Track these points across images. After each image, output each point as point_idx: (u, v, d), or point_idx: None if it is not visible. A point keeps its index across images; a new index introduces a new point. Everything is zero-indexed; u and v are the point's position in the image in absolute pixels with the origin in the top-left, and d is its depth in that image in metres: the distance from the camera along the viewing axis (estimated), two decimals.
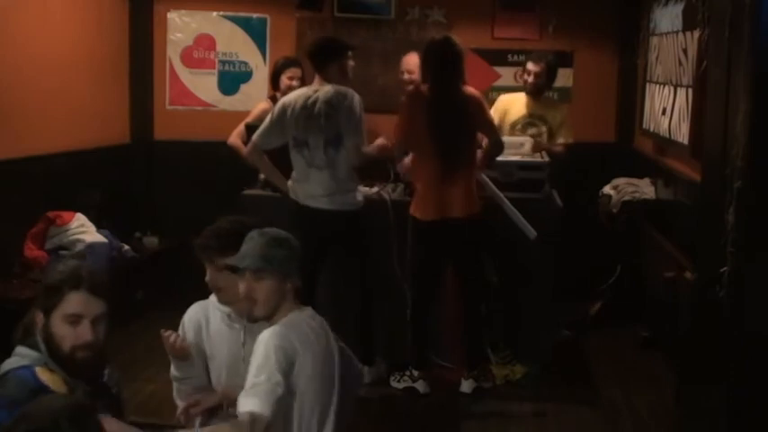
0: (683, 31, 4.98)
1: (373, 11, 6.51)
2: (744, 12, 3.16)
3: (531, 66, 5.49)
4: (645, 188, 5.70)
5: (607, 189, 5.88)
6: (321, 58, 4.51)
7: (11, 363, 2.26)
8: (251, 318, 2.66)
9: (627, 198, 5.63)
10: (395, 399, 4.54)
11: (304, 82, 5.38)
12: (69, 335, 2.24)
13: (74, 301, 2.25)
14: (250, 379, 2.46)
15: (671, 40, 5.27)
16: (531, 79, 5.49)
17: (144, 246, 6.02)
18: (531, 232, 4.59)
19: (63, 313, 2.24)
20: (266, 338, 2.54)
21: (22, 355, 2.26)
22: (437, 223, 4.46)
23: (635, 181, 5.82)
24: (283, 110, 4.46)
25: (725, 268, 3.23)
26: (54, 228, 5.14)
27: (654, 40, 5.79)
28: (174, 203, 6.40)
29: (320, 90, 4.44)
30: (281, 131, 4.48)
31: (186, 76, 6.63)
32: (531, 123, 5.53)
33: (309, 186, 4.47)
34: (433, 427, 4.35)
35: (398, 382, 4.61)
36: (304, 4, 6.08)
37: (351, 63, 4.63)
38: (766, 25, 3.08)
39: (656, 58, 5.70)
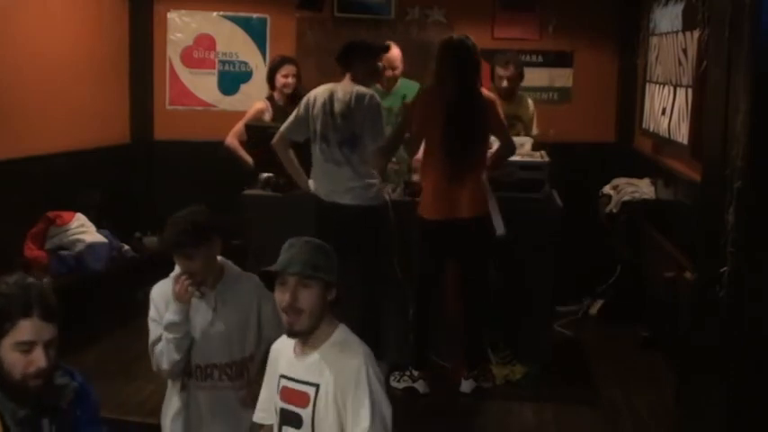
0: (683, 31, 4.98)
1: (373, 11, 6.51)
2: (744, 12, 3.16)
3: (501, 71, 5.44)
4: (645, 188, 5.71)
5: (607, 189, 5.88)
6: (345, 57, 4.56)
7: None
8: (292, 332, 2.48)
9: (627, 198, 5.64)
10: (395, 399, 4.52)
11: (299, 79, 5.42)
12: (20, 362, 2.14)
13: (25, 329, 2.14)
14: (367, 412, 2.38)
15: (671, 40, 5.27)
16: (505, 84, 5.44)
17: (144, 246, 6.02)
18: (500, 229, 4.55)
19: (14, 341, 2.13)
20: (366, 366, 2.43)
21: None
22: (443, 223, 4.45)
23: (635, 181, 5.82)
24: (308, 103, 4.54)
25: (725, 268, 3.23)
26: (54, 228, 5.14)
27: (654, 40, 5.79)
28: (174, 203, 6.37)
29: (342, 89, 4.49)
30: (306, 124, 4.54)
31: (186, 76, 6.63)
32: (510, 125, 5.51)
33: (329, 182, 4.52)
34: (433, 427, 4.35)
35: (398, 381, 4.61)
36: (304, 4, 6.09)
37: (379, 65, 4.69)
38: (766, 25, 3.07)
39: (656, 58, 5.70)
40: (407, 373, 4.61)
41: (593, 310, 6.03)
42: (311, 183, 4.65)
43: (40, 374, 2.15)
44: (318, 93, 4.55)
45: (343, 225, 4.42)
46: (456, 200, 4.43)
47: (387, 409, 2.44)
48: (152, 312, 3.05)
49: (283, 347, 2.59)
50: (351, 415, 2.39)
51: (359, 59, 4.55)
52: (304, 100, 4.59)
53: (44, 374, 2.16)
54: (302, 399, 2.45)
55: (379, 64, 4.72)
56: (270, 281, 2.50)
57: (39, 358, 2.14)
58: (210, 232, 2.96)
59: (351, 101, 4.44)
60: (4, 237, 4.89)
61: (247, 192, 5.04)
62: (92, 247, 5.19)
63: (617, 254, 5.80)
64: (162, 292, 3.04)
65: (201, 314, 3.00)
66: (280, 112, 5.32)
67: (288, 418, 2.49)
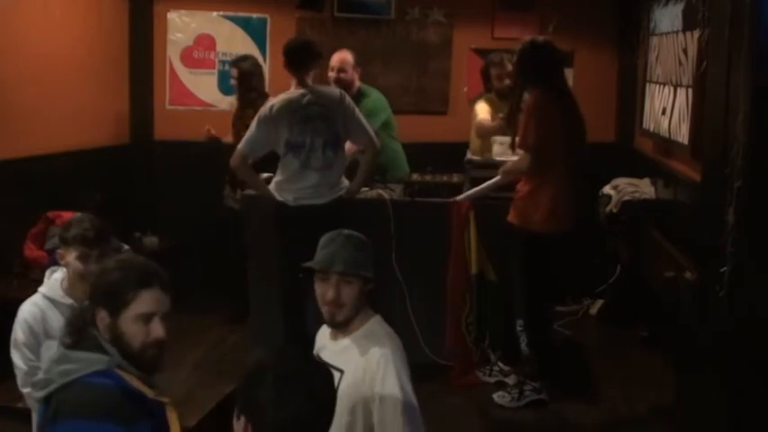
0: (683, 31, 4.97)
1: (373, 11, 6.51)
2: (744, 12, 3.16)
3: (501, 70, 5.40)
4: (645, 188, 5.70)
5: (607, 189, 5.87)
6: (303, 58, 4.51)
7: (73, 371, 2.08)
8: (334, 323, 2.56)
9: (627, 198, 5.63)
10: None
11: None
12: (141, 332, 2.14)
13: (148, 300, 2.15)
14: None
15: (671, 40, 5.26)
16: (508, 81, 5.35)
17: (144, 246, 6.01)
18: None
19: (136, 312, 2.14)
20: (389, 358, 2.47)
21: (85, 361, 2.10)
22: (567, 235, 4.41)
23: (635, 181, 5.82)
24: (267, 116, 4.44)
25: (725, 268, 3.23)
26: (54, 228, 5.13)
27: (654, 40, 5.79)
28: (174, 203, 6.40)
29: (309, 92, 4.44)
30: (270, 138, 4.45)
31: (186, 76, 6.63)
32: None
33: (302, 186, 4.45)
34: (432, 427, 4.34)
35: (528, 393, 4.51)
36: (304, 4, 6.08)
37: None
38: (766, 25, 3.07)
39: (656, 58, 5.70)
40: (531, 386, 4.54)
41: (593, 310, 6.04)
42: (272, 188, 4.55)
43: (159, 344, 2.16)
44: (279, 106, 4.44)
45: (316, 226, 4.38)
46: (572, 210, 4.41)
47: (407, 405, 2.46)
48: (23, 336, 2.90)
49: (322, 333, 2.69)
50: (372, 408, 2.44)
51: (314, 61, 4.53)
52: (263, 114, 4.47)
53: (162, 345, 2.17)
54: None
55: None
56: (304, 273, 2.56)
57: (157, 329, 2.15)
58: None
59: (326, 101, 4.41)
60: (4, 237, 4.89)
61: (247, 192, 5.03)
62: None
63: (617, 254, 5.80)
64: (36, 315, 2.91)
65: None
66: None
67: None
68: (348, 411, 2.44)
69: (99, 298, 2.18)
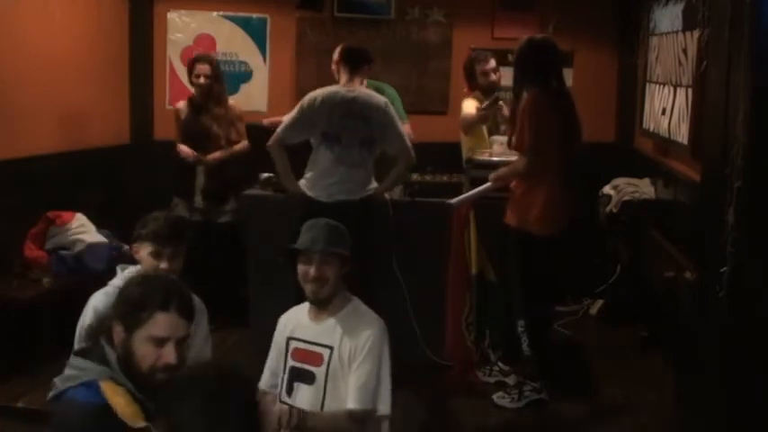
0: (683, 31, 4.98)
1: (373, 11, 6.51)
2: (744, 12, 3.16)
3: (486, 66, 5.40)
4: (645, 188, 5.70)
5: (607, 189, 5.88)
6: (361, 61, 4.61)
7: (70, 378, 2.10)
8: (317, 300, 2.88)
9: (627, 198, 5.63)
10: (395, 399, 4.52)
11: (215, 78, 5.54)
12: (151, 355, 2.10)
13: (161, 323, 2.11)
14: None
15: (671, 40, 5.27)
16: (493, 78, 5.41)
17: None
18: None
19: (148, 334, 2.10)
20: (375, 338, 2.84)
21: (84, 369, 2.10)
22: (565, 234, 4.39)
23: (635, 181, 5.82)
24: (311, 105, 4.43)
25: (725, 268, 3.23)
26: (54, 228, 5.14)
27: (654, 40, 5.79)
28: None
29: (357, 91, 4.49)
30: (306, 127, 4.45)
31: (186, 76, 6.61)
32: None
33: (334, 182, 4.44)
34: (432, 427, 4.35)
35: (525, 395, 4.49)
36: (304, 4, 6.08)
37: None
38: (766, 25, 3.07)
39: (656, 58, 5.70)
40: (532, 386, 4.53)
41: (593, 310, 6.04)
42: (303, 183, 4.54)
43: (169, 369, 2.10)
44: (325, 95, 4.45)
45: (348, 220, 4.38)
46: (567, 210, 4.38)
47: (386, 384, 2.89)
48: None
49: (294, 316, 3.02)
50: (353, 378, 2.80)
51: (367, 66, 4.67)
52: (307, 101, 4.46)
53: (173, 371, 2.11)
54: (316, 358, 2.84)
55: None
56: (288, 256, 2.94)
57: (169, 354, 2.11)
58: None
59: (371, 104, 4.45)
60: (4, 237, 4.89)
61: (247, 192, 5.04)
62: (92, 247, 5.19)
63: (617, 254, 5.80)
64: (106, 304, 2.95)
65: None
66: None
67: (300, 375, 2.87)
68: (341, 384, 2.79)
69: (118, 311, 2.16)
